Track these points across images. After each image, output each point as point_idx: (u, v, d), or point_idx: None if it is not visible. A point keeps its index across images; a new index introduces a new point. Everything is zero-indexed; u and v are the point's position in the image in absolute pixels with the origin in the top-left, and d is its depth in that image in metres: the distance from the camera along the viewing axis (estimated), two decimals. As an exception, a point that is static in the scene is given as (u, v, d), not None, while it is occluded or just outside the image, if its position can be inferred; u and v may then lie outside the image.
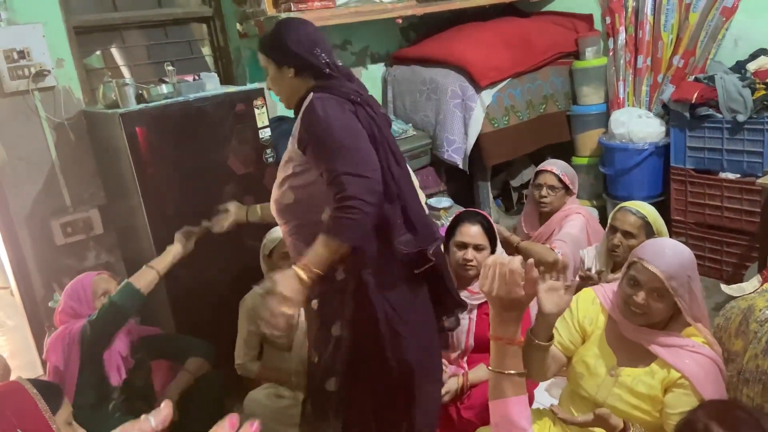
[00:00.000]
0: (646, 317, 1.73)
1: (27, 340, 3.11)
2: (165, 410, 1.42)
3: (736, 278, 3.22)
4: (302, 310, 1.95)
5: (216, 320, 2.70)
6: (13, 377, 2.47)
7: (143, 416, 1.37)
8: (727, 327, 1.81)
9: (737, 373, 1.75)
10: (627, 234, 2.38)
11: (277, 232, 2.48)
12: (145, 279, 2.20)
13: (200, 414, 2.29)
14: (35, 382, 1.45)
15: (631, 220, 2.38)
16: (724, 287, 2.76)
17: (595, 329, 1.87)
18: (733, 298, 2.38)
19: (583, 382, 1.83)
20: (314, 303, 1.83)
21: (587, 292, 1.97)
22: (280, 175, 1.86)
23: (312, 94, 1.74)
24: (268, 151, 2.82)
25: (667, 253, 1.72)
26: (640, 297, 1.70)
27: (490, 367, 1.26)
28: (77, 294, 2.27)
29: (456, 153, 3.61)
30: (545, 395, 2.46)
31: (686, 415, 1.31)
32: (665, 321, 1.76)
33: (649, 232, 2.36)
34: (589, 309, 1.91)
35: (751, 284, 2.73)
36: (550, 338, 1.68)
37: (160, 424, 1.52)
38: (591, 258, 2.61)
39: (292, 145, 1.80)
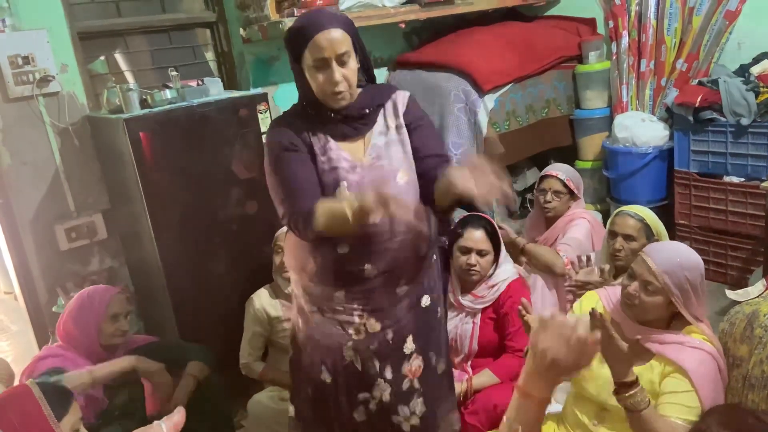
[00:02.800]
0: (639, 311, 1.75)
1: (31, 345, 3.11)
2: (177, 416, 1.41)
3: (741, 282, 3.21)
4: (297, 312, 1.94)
5: (221, 320, 2.71)
6: (17, 382, 2.47)
7: (155, 422, 1.36)
8: (731, 332, 1.81)
9: (742, 378, 1.74)
10: (628, 237, 2.39)
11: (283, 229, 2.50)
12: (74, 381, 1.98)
13: (205, 418, 2.28)
14: (44, 386, 1.45)
15: (631, 223, 2.39)
16: (729, 293, 2.75)
17: (597, 331, 1.88)
18: (737, 302, 2.38)
19: (585, 383, 1.84)
20: (427, 299, 1.85)
21: (591, 295, 1.98)
22: (393, 180, 1.71)
23: (392, 86, 1.80)
24: (272, 155, 2.82)
25: (668, 251, 1.76)
26: (632, 287, 1.74)
27: (505, 417, 1.14)
28: (89, 305, 2.20)
29: (464, 156, 3.61)
30: (549, 400, 2.45)
31: (695, 424, 1.27)
32: (667, 321, 1.77)
33: (649, 234, 2.38)
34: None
35: (755, 289, 2.72)
36: None
37: (171, 430, 1.51)
38: (592, 263, 2.61)
39: (395, 140, 1.73)
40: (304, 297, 1.85)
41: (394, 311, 1.78)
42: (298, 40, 1.61)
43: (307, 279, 1.81)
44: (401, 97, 1.78)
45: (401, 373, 1.82)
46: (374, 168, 1.70)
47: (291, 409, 2.03)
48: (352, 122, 1.69)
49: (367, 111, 1.71)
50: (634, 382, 1.57)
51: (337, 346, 1.80)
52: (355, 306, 1.76)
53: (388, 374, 1.81)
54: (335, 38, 1.57)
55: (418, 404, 1.85)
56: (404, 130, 1.75)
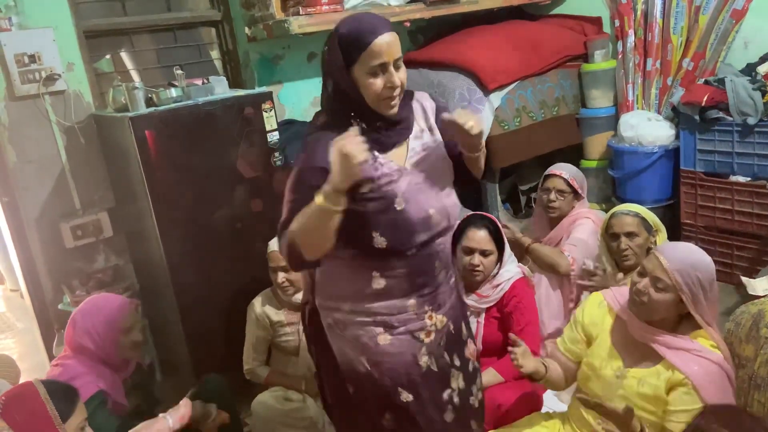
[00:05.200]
0: (647, 309, 1.74)
1: (36, 342, 3.13)
2: (182, 409, 1.40)
3: (747, 282, 3.20)
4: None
5: (226, 318, 2.71)
6: (22, 379, 2.48)
7: (161, 415, 1.36)
8: (737, 332, 1.80)
9: (748, 378, 1.74)
10: (630, 234, 2.41)
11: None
12: None
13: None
14: (50, 385, 1.44)
15: (628, 221, 2.42)
16: (744, 279, 2.74)
17: (600, 332, 1.88)
18: (743, 302, 2.37)
19: (590, 383, 1.83)
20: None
21: (595, 295, 1.98)
22: (436, 180, 1.68)
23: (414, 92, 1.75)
24: (277, 154, 2.83)
25: (681, 250, 1.76)
26: (642, 283, 1.73)
27: None
28: (105, 317, 2.09)
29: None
30: (555, 400, 2.45)
31: (693, 421, 1.29)
32: (674, 323, 1.76)
33: (648, 227, 2.42)
34: (594, 312, 1.92)
35: (761, 285, 2.70)
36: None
37: (177, 423, 1.50)
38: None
39: (430, 143, 1.70)
40: (364, 322, 1.72)
41: (452, 302, 1.80)
42: (354, 45, 1.54)
43: (370, 301, 1.69)
44: (426, 101, 1.75)
45: (465, 356, 1.84)
46: (416, 173, 1.65)
47: None
48: (396, 127, 1.64)
49: (403, 113, 1.65)
50: None
51: (412, 359, 1.73)
52: (426, 308, 1.72)
53: (457, 362, 1.81)
54: (392, 42, 1.53)
55: (479, 382, 1.91)
56: (437, 134, 1.73)
